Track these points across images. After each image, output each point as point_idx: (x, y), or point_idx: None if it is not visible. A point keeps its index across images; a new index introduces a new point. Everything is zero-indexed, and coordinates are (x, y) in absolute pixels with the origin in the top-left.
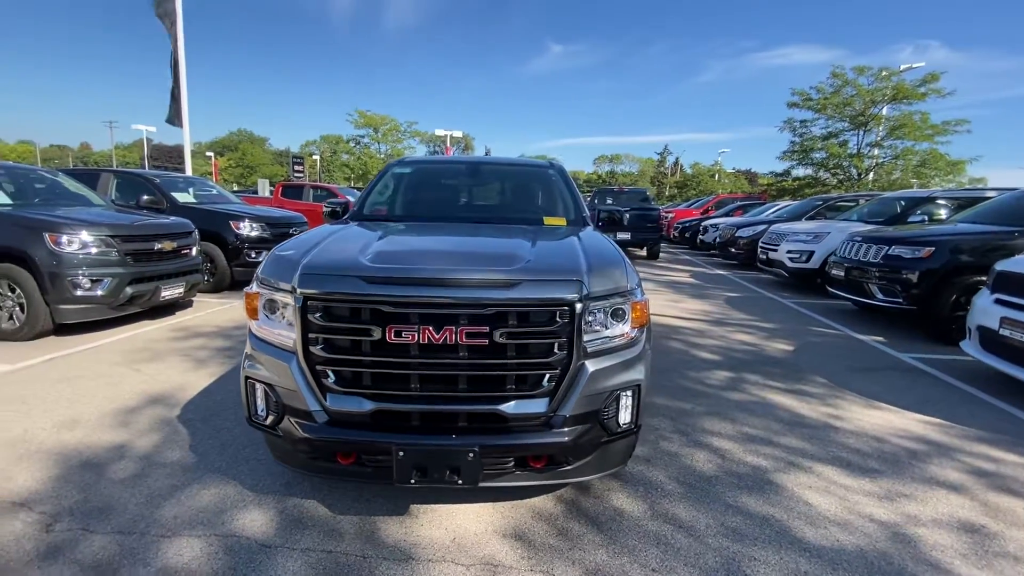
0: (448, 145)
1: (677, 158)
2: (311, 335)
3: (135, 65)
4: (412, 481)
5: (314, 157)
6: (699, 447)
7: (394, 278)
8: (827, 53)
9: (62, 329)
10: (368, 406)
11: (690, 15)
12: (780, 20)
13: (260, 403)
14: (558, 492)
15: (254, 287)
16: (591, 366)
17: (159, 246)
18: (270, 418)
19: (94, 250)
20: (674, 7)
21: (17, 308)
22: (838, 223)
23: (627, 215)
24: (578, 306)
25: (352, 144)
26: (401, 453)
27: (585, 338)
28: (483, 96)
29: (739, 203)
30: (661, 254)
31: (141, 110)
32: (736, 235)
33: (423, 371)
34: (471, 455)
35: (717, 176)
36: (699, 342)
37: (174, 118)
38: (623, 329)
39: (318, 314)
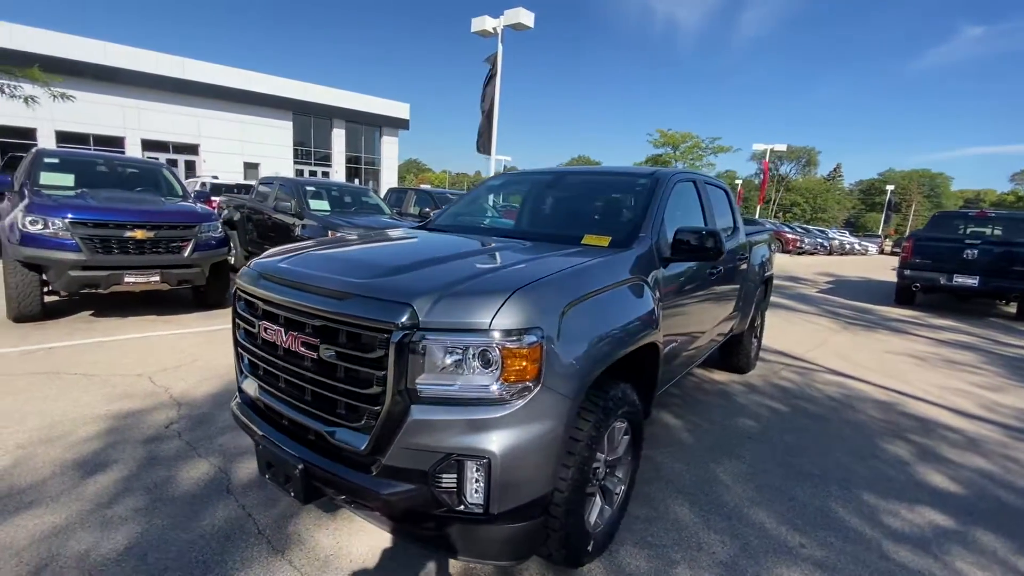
0: (766, 160)
1: None
2: (235, 320)
3: (505, 107)
4: (267, 476)
5: None
6: None
7: (271, 276)
8: None
9: None
10: (253, 393)
11: None
12: None
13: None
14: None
15: None
16: (418, 414)
17: None
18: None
19: None
20: None
21: None
22: None
23: (972, 252)
24: (397, 334)
25: (645, 163)
26: (259, 446)
27: (419, 378)
28: (839, 103)
29: None
30: None
31: (503, 142)
32: None
33: (282, 373)
34: (297, 470)
35: None
36: (950, 456)
37: (482, 149)
38: (484, 380)
39: (239, 303)
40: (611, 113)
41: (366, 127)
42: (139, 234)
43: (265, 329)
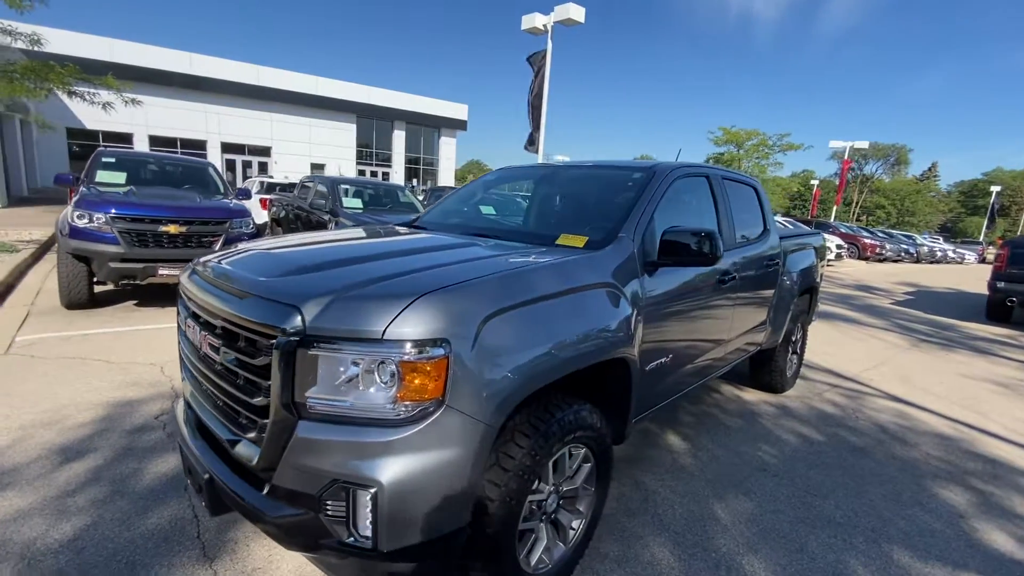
0: (847, 158)
1: None
2: (177, 318)
3: (562, 106)
4: (188, 482)
5: None
6: None
7: (201, 273)
8: None
9: None
10: (187, 395)
11: None
12: None
13: None
14: None
15: None
16: (304, 431)
17: None
18: None
19: None
20: None
21: None
22: None
23: None
24: (282, 341)
25: (710, 163)
26: (182, 450)
27: (310, 391)
28: (937, 97)
29: None
30: None
31: (563, 140)
32: None
33: (200, 376)
34: (204, 480)
35: None
36: (1022, 511)
37: (529, 146)
38: (378, 398)
39: (179, 300)
40: (674, 111)
41: (425, 128)
42: (172, 229)
43: (189, 327)
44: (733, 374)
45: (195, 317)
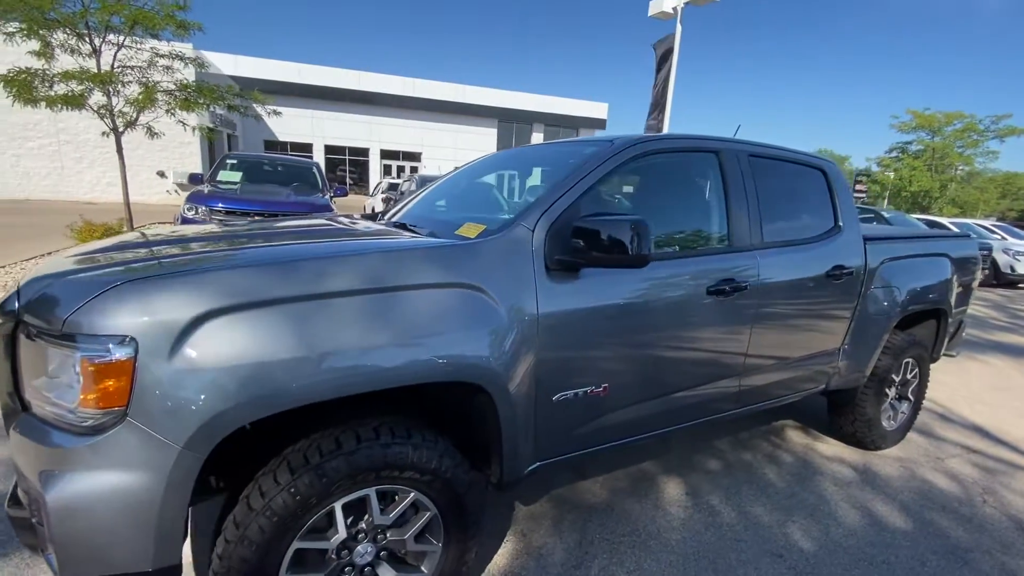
0: None
1: None
2: None
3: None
4: None
5: (887, 174)
6: None
7: None
8: None
9: None
10: None
11: None
12: None
13: None
14: None
15: None
16: (17, 426)
17: None
18: None
19: None
20: None
21: None
22: None
23: None
24: (3, 323)
25: (887, 154)
26: None
27: (32, 382)
28: None
29: None
30: None
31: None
32: None
33: None
34: None
35: None
36: None
37: None
38: (65, 399)
39: None
40: (859, 97)
41: (564, 129)
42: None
43: None
44: (812, 414)
45: None
